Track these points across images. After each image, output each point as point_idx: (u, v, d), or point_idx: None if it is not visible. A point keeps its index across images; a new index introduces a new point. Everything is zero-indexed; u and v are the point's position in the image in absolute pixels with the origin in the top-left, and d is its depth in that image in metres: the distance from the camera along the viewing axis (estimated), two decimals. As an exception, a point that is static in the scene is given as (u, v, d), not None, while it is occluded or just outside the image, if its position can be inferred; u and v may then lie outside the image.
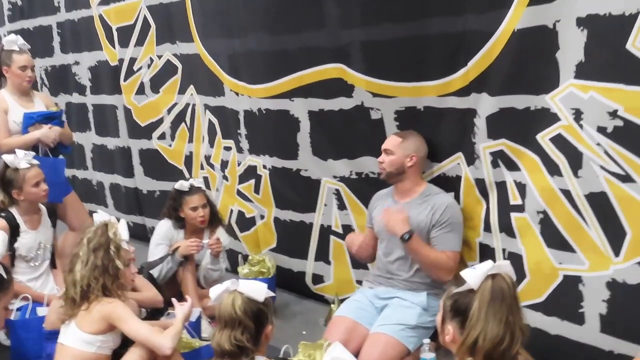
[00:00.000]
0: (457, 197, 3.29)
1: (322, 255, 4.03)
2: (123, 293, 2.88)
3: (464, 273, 2.01)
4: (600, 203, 2.63)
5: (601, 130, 2.56)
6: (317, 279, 4.11)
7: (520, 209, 2.95)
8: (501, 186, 3.04)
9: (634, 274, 2.58)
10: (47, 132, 4.09)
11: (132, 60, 5.21)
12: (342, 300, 3.49)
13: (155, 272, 3.77)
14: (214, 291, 2.43)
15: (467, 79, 3.04)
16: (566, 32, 2.62)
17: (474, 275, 1.98)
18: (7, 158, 3.69)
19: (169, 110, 5.03)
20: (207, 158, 4.76)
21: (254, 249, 4.42)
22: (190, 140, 4.91)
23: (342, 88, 3.56)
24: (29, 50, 4.29)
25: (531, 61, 2.78)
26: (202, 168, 4.84)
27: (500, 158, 3.01)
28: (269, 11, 3.86)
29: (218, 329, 2.39)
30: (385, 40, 3.31)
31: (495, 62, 2.89)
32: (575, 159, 2.67)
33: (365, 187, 3.65)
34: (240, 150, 4.38)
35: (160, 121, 5.15)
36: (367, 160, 3.60)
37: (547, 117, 2.76)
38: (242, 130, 4.29)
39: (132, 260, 2.99)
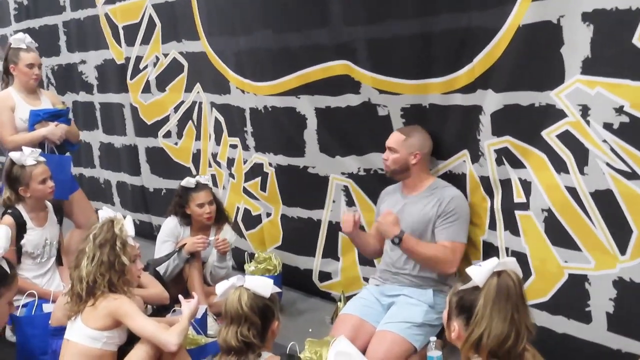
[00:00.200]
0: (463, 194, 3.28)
1: (330, 252, 4.03)
2: (129, 289, 2.89)
3: (470, 270, 2.00)
4: (606, 201, 2.61)
5: (607, 126, 2.54)
6: (325, 276, 4.10)
7: (524, 206, 2.93)
8: (505, 184, 3.03)
9: (641, 272, 2.56)
10: (53, 130, 4.12)
11: (139, 59, 5.22)
12: (348, 298, 3.49)
13: (161, 269, 3.77)
14: (220, 287, 2.44)
15: (473, 76, 3.03)
16: (571, 28, 2.60)
17: (480, 272, 1.98)
18: (14, 155, 3.71)
19: (176, 109, 5.04)
20: (214, 156, 4.76)
21: (260, 247, 4.42)
22: (198, 138, 4.92)
23: (348, 85, 3.56)
24: (36, 48, 4.31)
25: (536, 57, 2.76)
26: (209, 166, 4.85)
27: (504, 155, 3.00)
28: (274, 9, 3.86)
29: (224, 325, 2.39)
30: (390, 37, 3.30)
31: (501, 58, 2.88)
32: (581, 155, 2.65)
33: (373, 184, 3.65)
34: (246, 147, 4.38)
35: (166, 119, 5.16)
36: (375, 156, 3.59)
37: (552, 114, 2.74)
38: (248, 128, 4.29)
39: (138, 257, 3.00)
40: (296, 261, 4.23)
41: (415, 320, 3.10)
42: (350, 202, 3.84)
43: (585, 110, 2.61)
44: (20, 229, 3.68)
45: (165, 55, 4.97)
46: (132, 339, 2.84)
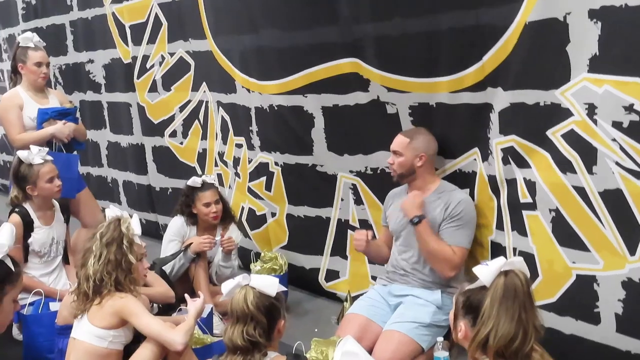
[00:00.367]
0: (471, 194, 3.27)
1: (339, 250, 4.02)
2: (135, 288, 2.89)
3: (477, 270, 1.99)
4: (615, 200, 2.58)
5: (616, 125, 2.51)
6: (332, 274, 4.10)
7: (532, 206, 2.91)
8: (511, 183, 3.01)
9: (651, 273, 2.54)
10: (61, 128, 4.13)
11: (145, 58, 5.22)
12: (354, 298, 3.48)
13: (167, 268, 3.77)
14: (226, 286, 2.43)
15: (483, 73, 3.01)
16: (577, 25, 2.57)
17: (487, 271, 1.97)
18: (22, 154, 3.72)
19: (181, 108, 5.04)
20: (221, 155, 4.76)
21: (265, 247, 4.41)
22: (204, 138, 4.92)
23: (357, 82, 3.55)
24: (44, 47, 4.32)
25: (541, 55, 2.74)
26: (216, 165, 4.85)
27: (510, 154, 2.98)
28: (280, 7, 3.86)
29: (230, 324, 2.38)
30: (399, 34, 3.29)
31: (510, 55, 2.86)
32: (589, 155, 2.63)
33: (381, 183, 3.64)
34: (251, 147, 4.37)
35: (172, 119, 5.16)
36: (383, 155, 3.57)
37: (558, 113, 2.72)
38: (254, 127, 4.29)
39: (144, 255, 3.00)
40: (302, 261, 4.23)
41: (423, 321, 3.09)
42: (358, 201, 3.83)
43: (592, 109, 2.59)
44: (27, 227, 3.69)
45: (172, 54, 4.97)
46: (138, 338, 2.84)
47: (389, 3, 3.27)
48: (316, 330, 3.62)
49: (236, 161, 4.58)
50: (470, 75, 3.07)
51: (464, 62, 3.07)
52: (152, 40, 5.11)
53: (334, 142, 3.84)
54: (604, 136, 2.56)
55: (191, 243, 3.83)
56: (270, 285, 2.38)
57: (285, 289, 2.89)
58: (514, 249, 3.04)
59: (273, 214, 4.37)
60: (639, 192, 2.51)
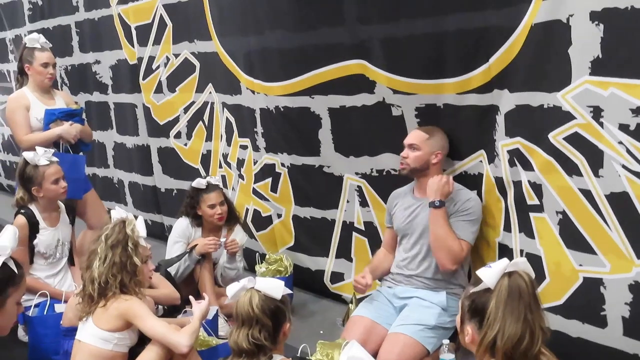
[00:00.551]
0: (478, 195, 3.26)
1: (344, 252, 4.01)
2: (140, 290, 2.89)
3: (481, 272, 1.98)
4: (622, 203, 2.57)
5: (623, 127, 2.50)
6: (337, 276, 4.09)
7: (539, 209, 2.90)
8: (518, 185, 3.00)
9: (658, 277, 2.53)
10: (68, 129, 4.14)
11: (151, 59, 5.23)
12: (359, 300, 3.47)
13: (172, 269, 3.77)
14: (231, 289, 2.42)
15: (490, 75, 3.00)
16: (579, 27, 2.56)
17: (490, 273, 1.96)
18: (27, 155, 3.72)
19: (186, 109, 5.04)
20: (224, 156, 4.76)
21: (271, 248, 4.41)
22: (208, 139, 4.92)
23: (363, 84, 3.54)
24: (50, 48, 4.33)
25: (545, 57, 2.73)
26: (220, 166, 4.85)
27: (516, 157, 2.97)
28: (286, 8, 3.85)
29: (235, 327, 2.38)
30: (405, 36, 3.28)
31: (516, 57, 2.85)
32: (595, 158, 2.62)
33: (386, 185, 3.63)
34: (256, 148, 4.37)
35: (177, 120, 5.16)
36: (388, 157, 3.57)
37: (559, 116, 2.71)
38: (259, 129, 4.28)
39: (149, 257, 2.99)
40: (308, 262, 4.22)
41: (428, 323, 3.08)
42: (363, 203, 3.82)
43: (597, 112, 2.57)
44: (32, 228, 3.69)
45: (177, 55, 4.97)
46: (143, 340, 2.84)
47: (396, 4, 3.25)
48: (321, 332, 3.62)
49: (240, 163, 4.58)
50: (477, 77, 3.06)
51: (470, 64, 3.06)
52: (157, 41, 5.11)
53: (341, 143, 3.83)
54: (610, 139, 2.55)
55: (196, 245, 3.83)
56: (276, 288, 2.37)
57: (291, 291, 2.89)
58: (521, 251, 3.03)
59: (279, 215, 4.36)
60: (646, 195, 2.50)
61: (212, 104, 4.78)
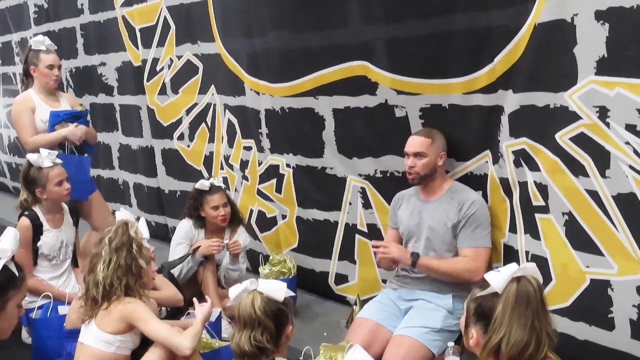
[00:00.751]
0: (484, 196, 3.24)
1: (347, 254, 4.00)
2: (144, 292, 2.87)
3: (488, 276, 1.96)
4: (629, 204, 2.54)
5: (630, 128, 2.48)
6: (341, 278, 4.07)
7: (544, 209, 2.88)
8: (523, 186, 2.98)
9: (666, 279, 2.50)
10: (73, 130, 4.15)
11: (155, 61, 5.23)
12: (364, 302, 3.45)
13: (175, 271, 3.77)
14: (234, 291, 2.41)
15: (494, 75, 2.98)
16: (584, 26, 2.54)
17: (499, 278, 1.93)
18: (31, 157, 3.73)
19: (188, 111, 5.04)
20: (227, 158, 4.75)
21: (275, 249, 4.40)
22: (211, 141, 4.91)
23: (366, 86, 3.52)
24: (56, 50, 4.33)
25: (551, 57, 2.71)
26: (221, 168, 4.84)
27: (522, 157, 2.95)
28: (290, 9, 3.84)
29: (237, 329, 2.36)
30: (408, 37, 3.26)
31: (521, 57, 2.83)
32: (602, 158, 2.59)
33: (389, 186, 3.61)
34: (261, 149, 4.36)
35: (180, 121, 5.16)
36: (392, 159, 3.55)
37: (566, 116, 2.68)
38: (264, 130, 4.27)
39: (152, 259, 2.99)
40: (312, 263, 4.20)
41: (434, 326, 3.05)
42: (366, 205, 3.80)
43: (603, 112, 2.55)
44: (36, 230, 3.69)
45: (179, 57, 4.97)
46: (145, 343, 2.83)
47: (400, 5, 3.24)
48: (325, 334, 3.60)
49: (244, 164, 4.56)
50: (482, 77, 3.04)
51: (475, 64, 3.04)
52: (161, 43, 5.11)
53: (344, 144, 3.81)
54: (616, 139, 2.53)
55: (199, 246, 3.82)
56: (278, 290, 2.35)
57: (294, 293, 2.87)
58: (527, 252, 3.01)
59: (284, 217, 4.35)
60: (654, 196, 2.47)
61: (214, 105, 4.77)
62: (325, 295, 4.18)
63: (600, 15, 2.48)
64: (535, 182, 2.89)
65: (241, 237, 4.00)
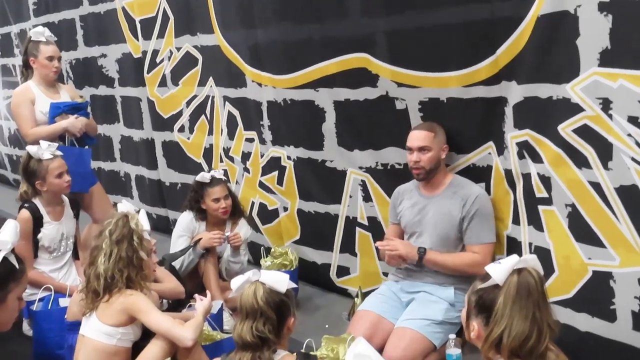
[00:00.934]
0: (487, 188, 3.23)
1: (348, 247, 3.99)
2: (146, 284, 2.87)
3: (489, 268, 1.96)
4: (631, 196, 2.53)
5: (632, 120, 2.46)
6: (342, 271, 4.07)
7: (548, 201, 2.87)
8: (527, 178, 2.97)
9: (668, 271, 2.49)
10: (74, 122, 4.14)
11: (155, 52, 5.21)
12: (365, 294, 3.45)
13: (177, 264, 3.76)
14: (236, 282, 2.40)
15: (497, 67, 2.96)
16: (587, 18, 2.52)
17: (499, 270, 1.93)
18: (31, 149, 3.72)
19: (188, 103, 5.02)
20: (226, 151, 4.74)
21: (277, 241, 4.39)
22: (210, 133, 4.90)
23: (366, 78, 3.51)
24: (55, 42, 4.32)
25: (553, 49, 2.69)
26: (221, 161, 4.82)
27: (525, 149, 2.94)
28: (291, 0, 3.82)
29: (239, 320, 2.36)
30: (409, 28, 3.24)
31: (524, 49, 2.81)
32: (604, 150, 2.58)
33: (390, 179, 3.60)
34: (263, 141, 4.35)
35: (180, 113, 5.15)
36: (392, 151, 3.54)
37: (568, 108, 2.67)
38: (265, 122, 4.26)
39: (153, 251, 2.99)
40: (313, 256, 4.20)
41: (435, 318, 3.06)
42: (367, 197, 3.79)
43: (606, 104, 2.53)
44: (37, 223, 3.69)
45: (179, 49, 4.95)
46: (147, 335, 2.83)
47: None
48: (327, 326, 3.60)
49: (245, 156, 4.55)
50: (484, 69, 3.02)
51: (477, 56, 3.02)
52: (161, 34, 5.09)
53: (344, 137, 3.80)
54: (619, 131, 2.51)
55: (200, 238, 3.82)
56: (281, 282, 2.35)
57: (296, 285, 2.87)
58: (530, 244, 3.00)
59: (285, 209, 4.34)
60: (656, 188, 2.46)
61: (213, 97, 4.76)
62: (327, 288, 4.17)
63: (603, 7, 2.47)
64: (538, 174, 2.88)
65: (242, 229, 4.00)
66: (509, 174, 3.09)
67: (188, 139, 5.14)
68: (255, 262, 4.33)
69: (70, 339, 3.02)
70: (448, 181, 3.26)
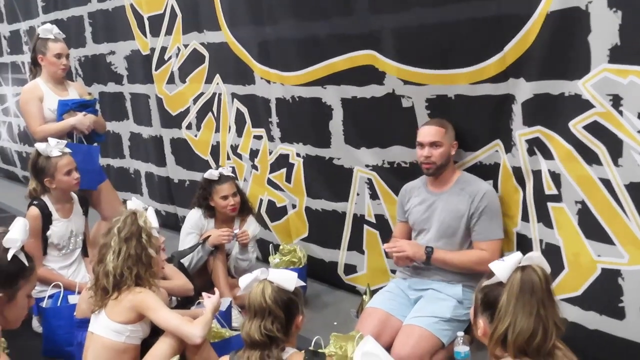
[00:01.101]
0: (495, 186, 3.22)
1: (355, 244, 3.99)
2: (154, 281, 2.88)
3: (493, 265, 1.96)
4: (641, 193, 2.53)
5: (642, 117, 2.46)
6: (350, 268, 4.07)
7: (557, 198, 2.86)
8: (537, 175, 2.96)
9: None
10: (82, 119, 4.14)
11: (164, 50, 5.21)
12: (373, 291, 3.45)
13: (185, 261, 3.77)
14: (244, 280, 2.40)
15: (504, 64, 2.95)
16: (598, 14, 2.51)
17: (503, 267, 1.94)
18: (40, 146, 3.73)
19: (195, 100, 5.03)
20: (234, 148, 4.73)
21: (286, 239, 4.39)
22: (217, 130, 4.90)
23: (373, 75, 3.50)
24: (64, 39, 4.32)
25: (564, 45, 2.68)
26: (228, 158, 4.82)
27: (536, 146, 2.92)
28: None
29: (248, 318, 2.36)
30: (416, 25, 3.23)
31: (532, 45, 2.80)
32: (615, 147, 2.57)
33: (396, 177, 3.60)
34: (271, 138, 4.35)
35: (188, 110, 5.15)
36: (399, 149, 3.54)
37: (579, 104, 2.66)
38: (274, 119, 4.26)
39: (161, 248, 2.99)
40: (321, 253, 4.20)
41: (444, 316, 3.05)
42: (374, 195, 3.78)
43: (616, 100, 2.52)
44: (46, 220, 3.70)
45: (186, 46, 4.95)
46: (156, 332, 2.83)
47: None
48: (335, 323, 3.60)
49: (253, 153, 4.55)
50: (491, 66, 3.01)
51: (484, 53, 3.01)
52: (169, 31, 5.10)
53: (351, 135, 3.79)
54: (629, 128, 2.50)
55: (209, 236, 3.82)
56: (289, 280, 2.35)
57: (304, 283, 2.86)
58: (541, 241, 2.99)
59: (294, 206, 4.34)
60: (666, 185, 2.45)
61: (220, 95, 4.76)
62: (335, 285, 4.17)
63: (612, 2, 2.45)
64: (549, 171, 2.87)
65: (251, 226, 4.00)
66: (517, 171, 3.08)
67: (195, 136, 5.15)
68: (264, 259, 4.33)
69: (79, 336, 3.03)
70: (456, 178, 3.25)
